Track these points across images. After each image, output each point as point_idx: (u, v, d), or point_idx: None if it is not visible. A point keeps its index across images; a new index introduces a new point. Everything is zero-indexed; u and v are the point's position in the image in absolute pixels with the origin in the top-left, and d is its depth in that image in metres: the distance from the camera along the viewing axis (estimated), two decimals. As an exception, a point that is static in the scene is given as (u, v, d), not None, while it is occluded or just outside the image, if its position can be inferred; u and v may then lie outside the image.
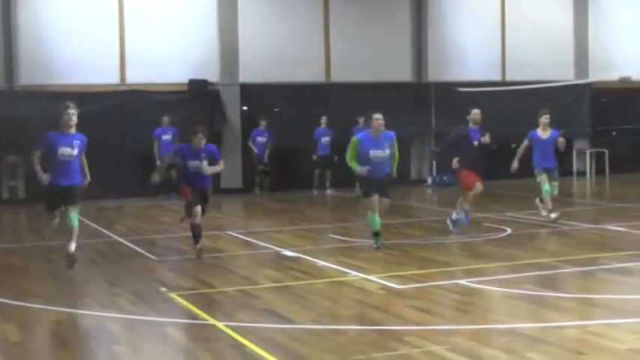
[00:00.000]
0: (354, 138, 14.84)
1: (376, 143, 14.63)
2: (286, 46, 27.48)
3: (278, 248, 15.19)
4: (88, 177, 13.85)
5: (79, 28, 25.21)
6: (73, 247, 12.78)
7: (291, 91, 27.27)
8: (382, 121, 14.85)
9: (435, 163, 28.72)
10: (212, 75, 26.71)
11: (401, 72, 29.28)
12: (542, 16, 30.89)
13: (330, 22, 28.24)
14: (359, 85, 27.98)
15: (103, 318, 10.07)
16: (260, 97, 27.35)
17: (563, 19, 31.48)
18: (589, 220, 19.01)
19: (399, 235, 17.38)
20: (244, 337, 8.89)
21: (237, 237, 17.23)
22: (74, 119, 13.08)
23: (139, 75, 25.82)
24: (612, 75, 31.07)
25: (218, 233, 17.87)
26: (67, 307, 10.66)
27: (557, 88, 29.01)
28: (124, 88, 25.72)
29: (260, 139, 26.30)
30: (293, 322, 9.58)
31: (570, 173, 31.04)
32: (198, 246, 14.04)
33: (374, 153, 14.50)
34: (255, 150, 26.22)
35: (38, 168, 12.94)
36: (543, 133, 18.54)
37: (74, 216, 13.00)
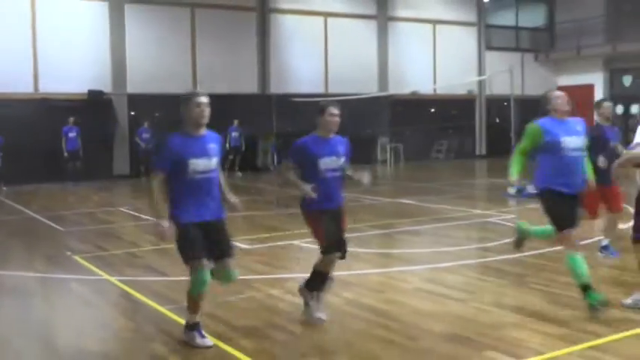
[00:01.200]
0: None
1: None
2: (163, 63, 27.12)
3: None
4: (232, 198, 6.84)
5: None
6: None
7: (167, 101, 26.92)
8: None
9: (275, 155, 28.85)
10: (106, 86, 26.19)
11: (250, 86, 29.27)
12: (355, 45, 31.34)
13: (197, 46, 28.00)
14: (219, 96, 27.83)
15: (21, 277, 9.82)
16: (143, 105, 26.97)
17: (370, 47, 32.03)
18: (389, 195, 19.39)
19: (248, 208, 17.43)
20: (131, 287, 8.83)
21: (126, 212, 16.99)
22: (207, 112, 6.88)
23: (48, 85, 25.07)
24: (405, 89, 31.77)
25: (111, 209, 17.59)
26: (-8, 268, 10.38)
27: (365, 98, 29.44)
28: (37, 96, 24.94)
29: (145, 135, 26.02)
30: (167, 275, 9.55)
31: (376, 162, 31.77)
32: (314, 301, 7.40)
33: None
34: (142, 144, 25.91)
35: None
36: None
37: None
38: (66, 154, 24.17)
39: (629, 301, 7.35)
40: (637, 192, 7.18)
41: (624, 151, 7.52)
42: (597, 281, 7.71)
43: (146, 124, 25.98)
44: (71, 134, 24.28)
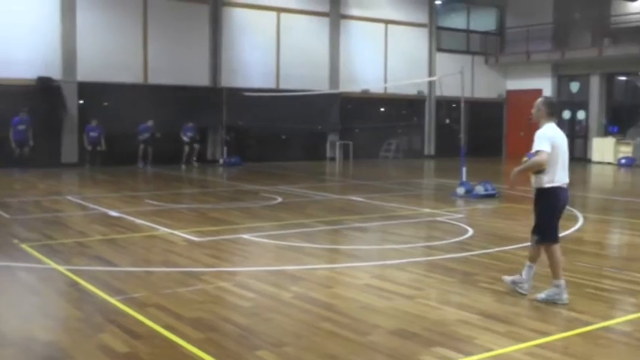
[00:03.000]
0: None
1: None
2: (114, 52, 26.87)
3: (105, 209, 14.91)
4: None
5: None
6: None
7: (118, 90, 26.73)
8: None
9: (225, 148, 28.78)
10: (55, 73, 25.82)
11: (201, 78, 29.10)
12: (307, 41, 31.39)
13: (149, 36, 27.77)
14: (170, 87, 27.74)
15: (-34, 262, 9.67)
16: (93, 93, 26.65)
17: (322, 44, 32.08)
18: (337, 192, 19.43)
19: (198, 201, 17.38)
20: (79, 277, 8.74)
21: (74, 201, 16.77)
22: None
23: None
24: (355, 87, 31.91)
25: (58, 198, 17.35)
26: None
27: (316, 95, 29.52)
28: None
29: (92, 134, 25.78)
30: (116, 266, 9.47)
31: (324, 158, 31.86)
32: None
33: None
34: (87, 141, 25.80)
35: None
36: None
37: None
38: (13, 144, 23.81)
39: (542, 295, 7.78)
40: (534, 195, 7.94)
41: (524, 159, 7.83)
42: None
43: (94, 123, 25.76)
44: (20, 127, 23.89)
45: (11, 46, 24.88)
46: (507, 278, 8.26)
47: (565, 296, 7.71)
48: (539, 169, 7.70)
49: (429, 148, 36.09)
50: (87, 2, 26.50)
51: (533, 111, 8.02)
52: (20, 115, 23.88)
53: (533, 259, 8.10)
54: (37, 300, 7.90)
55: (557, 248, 7.86)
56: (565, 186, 7.87)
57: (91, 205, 15.62)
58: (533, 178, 7.87)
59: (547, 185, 7.77)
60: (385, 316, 7.17)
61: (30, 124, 23.99)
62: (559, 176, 7.76)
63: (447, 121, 35.11)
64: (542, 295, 7.78)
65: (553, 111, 7.92)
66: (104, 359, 5.94)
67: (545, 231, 7.86)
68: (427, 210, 15.72)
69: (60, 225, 13.06)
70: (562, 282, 7.76)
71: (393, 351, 6.14)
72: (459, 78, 19.26)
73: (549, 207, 7.85)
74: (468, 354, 6.03)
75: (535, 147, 7.61)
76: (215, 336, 6.52)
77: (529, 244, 8.22)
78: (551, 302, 7.66)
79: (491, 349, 6.15)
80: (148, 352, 6.11)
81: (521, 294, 7.98)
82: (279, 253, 10.72)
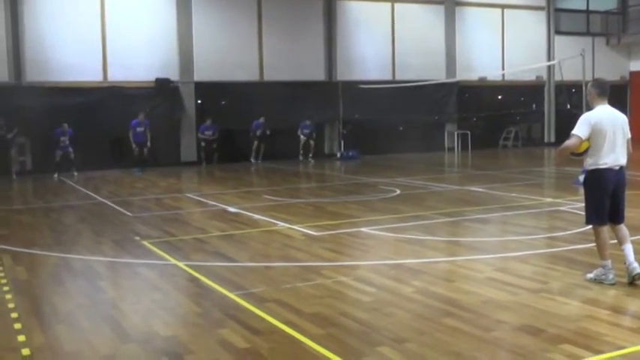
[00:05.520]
0: None
1: None
2: (230, 52, 27.19)
3: (224, 206, 15.09)
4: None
5: (71, 36, 24.76)
6: None
7: (234, 88, 27.11)
8: None
9: (342, 141, 28.79)
10: (173, 74, 26.38)
11: (316, 73, 29.14)
12: (422, 31, 31.02)
13: (263, 33, 27.98)
14: (285, 83, 27.92)
15: (91, 261, 9.93)
16: (210, 93, 27.10)
17: (437, 33, 31.62)
18: (456, 183, 19.12)
19: (315, 195, 17.39)
20: (198, 272, 8.85)
21: (193, 197, 17.06)
22: None
23: (117, 74, 25.41)
24: (473, 76, 31.32)
25: (178, 195, 17.70)
26: (63, 253, 10.50)
27: (432, 85, 29.13)
28: (105, 84, 25.29)
29: (207, 132, 26.22)
30: (235, 261, 9.54)
31: (442, 149, 31.44)
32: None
33: None
34: (202, 140, 26.38)
35: None
36: None
37: None
38: (133, 144, 24.43)
39: (591, 275, 8.02)
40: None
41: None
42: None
43: (208, 122, 26.19)
44: (139, 129, 24.48)
45: (130, 50, 25.57)
46: (590, 276, 8.12)
47: (611, 277, 7.79)
48: (579, 154, 7.95)
49: (549, 135, 35.06)
50: (202, 3, 26.96)
51: (587, 96, 8.12)
52: (139, 118, 24.48)
53: (620, 242, 8.02)
54: (157, 296, 8.01)
55: (602, 230, 7.89)
56: (616, 167, 7.84)
57: (210, 202, 15.86)
58: (585, 161, 8.07)
59: (591, 167, 7.88)
60: (509, 311, 6.92)
61: (148, 127, 24.57)
62: (605, 158, 7.80)
63: (568, 106, 34.01)
64: (590, 275, 8.00)
65: (602, 91, 7.95)
66: (224, 354, 5.94)
67: (590, 213, 7.97)
68: (549, 199, 15.24)
69: (180, 222, 13.29)
70: (608, 262, 7.85)
71: (520, 348, 5.89)
72: (580, 61, 18.61)
73: (593, 189, 7.93)
74: (598, 352, 5.73)
75: (574, 130, 7.77)
76: (335, 331, 6.43)
77: None
78: (598, 282, 7.82)
79: (622, 347, 5.83)
80: (268, 347, 6.08)
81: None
82: (399, 246, 10.56)
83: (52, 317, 7.21)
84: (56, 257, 10.21)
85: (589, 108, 8.07)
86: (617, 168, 7.84)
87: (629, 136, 7.97)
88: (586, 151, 7.86)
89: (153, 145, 24.80)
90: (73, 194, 18.24)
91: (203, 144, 26.35)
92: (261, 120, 26.80)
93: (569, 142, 7.77)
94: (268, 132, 26.94)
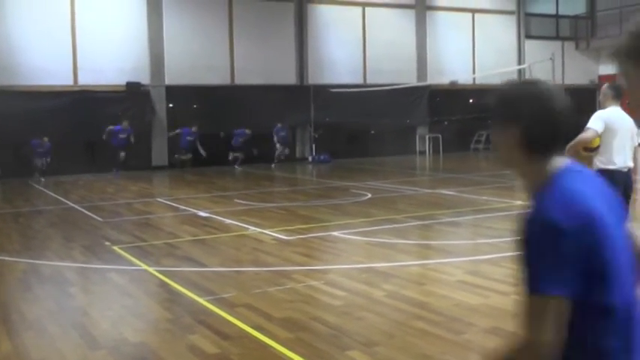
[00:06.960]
0: None
1: None
2: (201, 55, 27.10)
3: (195, 210, 15.04)
4: None
5: (41, 39, 24.53)
6: None
7: (205, 92, 27.03)
8: None
9: (313, 145, 28.79)
10: (144, 78, 26.25)
11: (288, 77, 29.16)
12: (393, 35, 31.09)
13: (234, 37, 27.94)
14: (257, 87, 27.87)
15: (60, 267, 9.84)
16: (181, 96, 27.01)
17: (408, 37, 31.73)
18: (427, 186, 19.20)
19: (287, 199, 17.36)
20: (169, 278, 8.80)
21: (163, 202, 16.99)
22: None
23: (88, 78, 25.24)
24: (444, 79, 31.44)
25: (149, 200, 17.61)
26: (31, 258, 10.39)
27: (404, 89, 29.23)
28: (75, 88, 25.10)
29: (189, 137, 25.80)
30: (206, 266, 9.50)
31: (414, 152, 31.55)
32: None
33: None
34: (182, 143, 25.86)
35: None
36: None
37: None
38: (117, 149, 24.10)
39: None
40: None
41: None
42: None
43: (194, 128, 25.61)
44: (122, 135, 24.23)
45: (101, 53, 25.37)
46: None
47: None
48: (591, 149, 7.86)
49: (521, 138, 35.29)
50: (173, 6, 26.86)
51: (600, 97, 8.16)
52: (123, 125, 24.24)
53: None
54: (127, 301, 7.96)
55: None
56: (625, 170, 7.89)
57: (181, 207, 15.78)
58: (595, 159, 7.98)
59: (601, 167, 7.86)
60: (480, 314, 6.95)
61: (132, 134, 24.31)
62: (614, 159, 7.85)
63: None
64: None
65: (618, 94, 8.01)
66: (194, 361, 5.91)
67: None
68: (520, 202, 15.31)
69: (150, 227, 13.22)
70: None
71: (489, 350, 5.91)
72: (550, 65, 18.77)
73: None
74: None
75: (588, 124, 7.74)
76: (305, 336, 6.42)
77: None
78: None
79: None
80: (238, 352, 6.05)
81: None
82: (370, 249, 10.57)
83: (19, 324, 7.13)
84: (25, 263, 10.09)
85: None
86: (626, 170, 7.94)
87: (637, 142, 8.09)
88: (597, 147, 7.91)
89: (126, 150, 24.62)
90: (43, 199, 18.08)
91: (182, 151, 25.86)
92: (246, 130, 26.30)
93: (584, 135, 7.73)
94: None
